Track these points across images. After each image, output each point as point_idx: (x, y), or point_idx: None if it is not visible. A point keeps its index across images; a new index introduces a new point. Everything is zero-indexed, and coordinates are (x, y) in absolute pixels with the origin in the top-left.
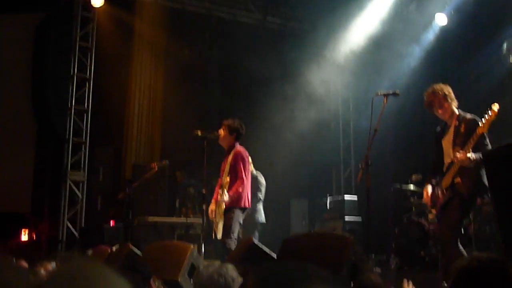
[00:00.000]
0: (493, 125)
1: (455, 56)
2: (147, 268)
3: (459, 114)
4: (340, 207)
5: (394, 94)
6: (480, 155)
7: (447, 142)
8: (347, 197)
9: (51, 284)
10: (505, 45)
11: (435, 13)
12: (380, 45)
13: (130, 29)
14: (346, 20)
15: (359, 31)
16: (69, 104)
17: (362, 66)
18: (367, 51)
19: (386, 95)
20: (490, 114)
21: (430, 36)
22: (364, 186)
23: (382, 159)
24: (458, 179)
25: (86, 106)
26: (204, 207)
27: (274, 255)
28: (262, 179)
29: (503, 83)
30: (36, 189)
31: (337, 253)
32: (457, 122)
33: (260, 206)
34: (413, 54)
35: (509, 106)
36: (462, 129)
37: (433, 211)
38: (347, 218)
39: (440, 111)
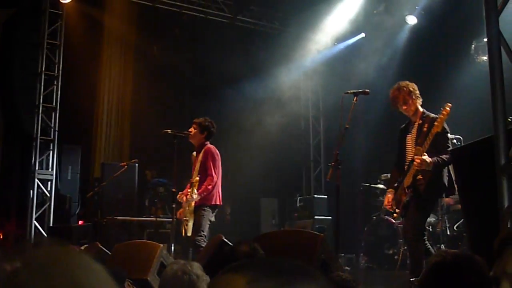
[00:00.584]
0: (461, 124)
1: (425, 55)
2: (121, 272)
3: (423, 112)
4: (310, 206)
5: (364, 93)
6: (439, 157)
7: (410, 139)
8: (317, 196)
9: (26, 270)
10: (473, 46)
11: (404, 12)
12: (350, 45)
13: (100, 26)
14: (316, 20)
15: (329, 31)
16: (37, 102)
17: (332, 66)
18: (337, 50)
19: (355, 94)
20: (443, 113)
21: (399, 35)
22: (333, 185)
23: (351, 158)
24: (419, 176)
25: (54, 104)
26: (174, 205)
27: None
28: None
29: (472, 83)
30: (3, 189)
31: (307, 250)
32: (421, 121)
33: None
34: (383, 54)
35: (476, 104)
36: (425, 128)
37: (397, 210)
38: (317, 217)
39: (404, 107)
